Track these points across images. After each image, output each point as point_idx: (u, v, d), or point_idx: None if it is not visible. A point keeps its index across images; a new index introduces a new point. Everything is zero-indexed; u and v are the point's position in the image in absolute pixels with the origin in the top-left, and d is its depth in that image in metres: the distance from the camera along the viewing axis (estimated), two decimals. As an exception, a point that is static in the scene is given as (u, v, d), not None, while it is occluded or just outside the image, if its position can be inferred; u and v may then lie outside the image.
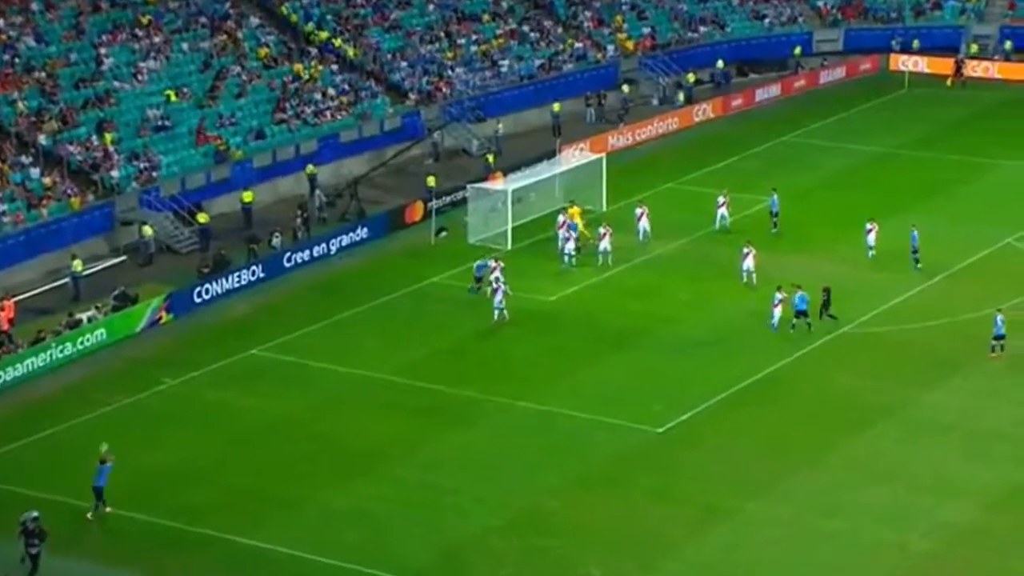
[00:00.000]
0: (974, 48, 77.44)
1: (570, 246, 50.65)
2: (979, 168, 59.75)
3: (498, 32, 71.32)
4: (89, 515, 34.84)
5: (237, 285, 49.39)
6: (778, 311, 44.34)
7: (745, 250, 48.13)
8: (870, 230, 50.04)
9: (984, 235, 52.31)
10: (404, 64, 67.09)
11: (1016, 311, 44.93)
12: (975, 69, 74.33)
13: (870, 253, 49.75)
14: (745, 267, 47.96)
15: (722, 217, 53.34)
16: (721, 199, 53.60)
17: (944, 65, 76.31)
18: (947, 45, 77.96)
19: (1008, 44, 76.92)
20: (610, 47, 73.58)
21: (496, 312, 45.75)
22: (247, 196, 56.36)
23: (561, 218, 51.99)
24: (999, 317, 42.73)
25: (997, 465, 36.50)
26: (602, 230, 50.86)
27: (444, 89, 66.49)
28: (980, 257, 50.57)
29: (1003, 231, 52.54)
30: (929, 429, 38.65)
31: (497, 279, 46.31)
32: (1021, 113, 69.33)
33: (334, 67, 64.97)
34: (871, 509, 34.86)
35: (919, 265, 48.77)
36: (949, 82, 73.39)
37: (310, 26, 66.83)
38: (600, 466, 37.28)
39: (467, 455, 37.93)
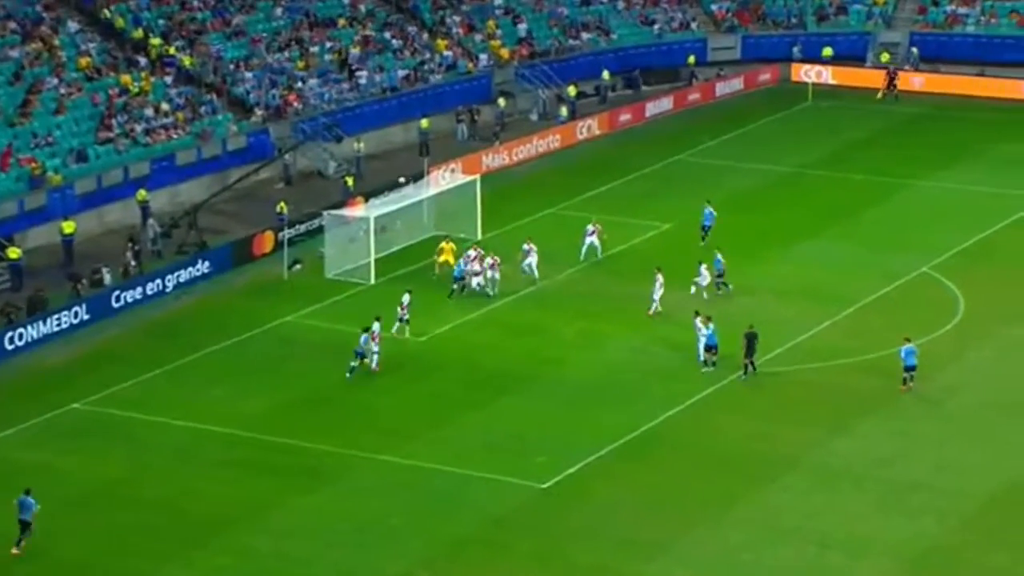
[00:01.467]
0: (884, 56, 79.50)
1: (477, 280, 50.84)
2: (890, 188, 61.19)
3: (356, 38, 71.30)
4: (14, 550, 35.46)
5: (57, 329, 48.47)
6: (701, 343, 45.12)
7: (657, 277, 48.94)
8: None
9: (897, 263, 53.57)
10: (249, 75, 66.64)
11: (935, 344, 46.10)
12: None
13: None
14: (655, 296, 48.79)
15: (591, 246, 53.73)
16: (591, 227, 54.12)
17: (851, 75, 78.19)
18: (853, 53, 79.96)
19: (916, 51, 79.13)
20: (483, 56, 74.00)
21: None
22: (68, 227, 55.39)
23: (472, 252, 51.93)
24: (906, 348, 43.71)
25: (916, 518, 37.22)
26: (489, 260, 51.03)
27: (295, 103, 66.19)
28: (893, 287, 51.76)
29: (917, 258, 53.86)
30: (840, 479, 39.29)
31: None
32: (934, 128, 71.34)
33: (168, 79, 64.29)
34: (777, 571, 35.26)
35: (721, 291, 49.98)
36: (880, 94, 75.10)
37: (139, 32, 66.08)
38: (475, 528, 37.19)
39: (325, 519, 37.58)
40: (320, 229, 55.51)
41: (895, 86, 75.21)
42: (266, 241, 55.96)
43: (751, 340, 44.76)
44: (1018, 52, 78.17)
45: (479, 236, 56.33)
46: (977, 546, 35.87)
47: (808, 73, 78.16)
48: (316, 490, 38.96)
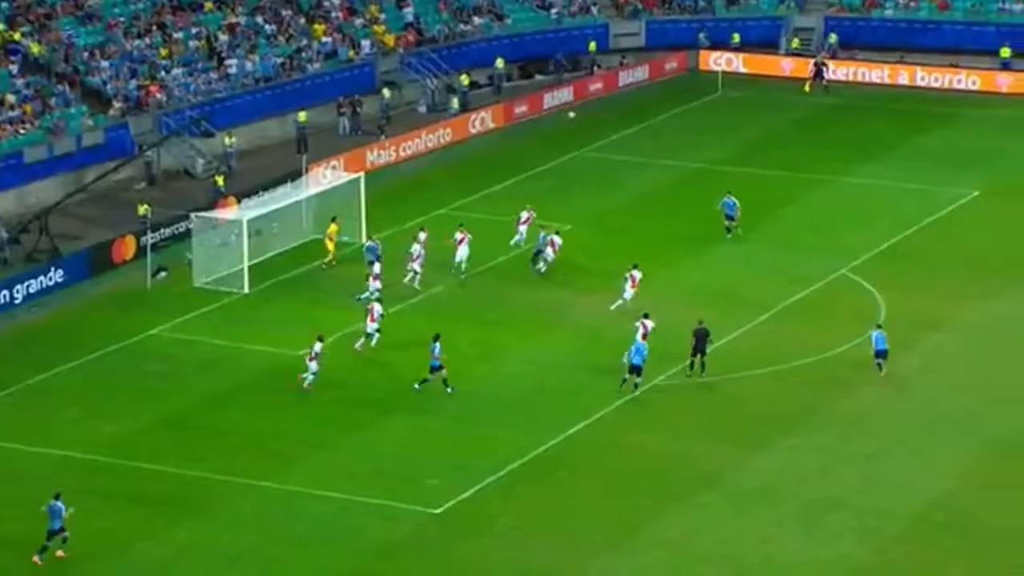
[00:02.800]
0: (795, 43, 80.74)
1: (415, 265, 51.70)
2: (806, 185, 62.14)
3: (224, 23, 70.92)
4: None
5: None
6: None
7: (635, 273, 49.84)
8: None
9: (814, 265, 54.43)
10: (105, 64, 65.99)
11: (856, 353, 46.95)
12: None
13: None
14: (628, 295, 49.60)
15: (519, 235, 54.61)
16: (525, 214, 55.11)
17: (763, 63, 79.33)
18: (765, 40, 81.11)
19: (833, 38, 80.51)
20: (365, 43, 73.97)
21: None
22: (-95, 232, 54.56)
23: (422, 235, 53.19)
24: (876, 333, 45.59)
25: (837, 540, 37.85)
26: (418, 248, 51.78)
27: (158, 95, 65.67)
28: (810, 291, 52.59)
29: (836, 260, 54.78)
30: (758, 499, 39.84)
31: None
32: (852, 120, 72.61)
33: (14, 68, 63.47)
34: (692, 598, 35.75)
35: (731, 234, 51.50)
36: (807, 87, 76.07)
37: (-20, 16, 65.31)
38: (362, 558, 37.17)
39: (196, 553, 37.32)
40: (188, 233, 55.14)
41: (824, 77, 76.32)
42: (127, 247, 55.47)
43: (700, 337, 45.44)
44: (938, 38, 79.86)
45: (363, 240, 56.30)
46: (900, 568, 36.57)
47: (718, 61, 79.18)
48: (185, 520, 38.67)
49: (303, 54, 71.60)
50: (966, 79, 76.87)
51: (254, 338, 49.03)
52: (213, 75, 68.27)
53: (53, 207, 57.60)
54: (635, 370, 44.59)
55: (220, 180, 61.51)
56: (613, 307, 49.76)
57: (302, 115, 67.92)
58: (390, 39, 74.76)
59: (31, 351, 48.40)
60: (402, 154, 66.90)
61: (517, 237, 55.24)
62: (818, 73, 76.42)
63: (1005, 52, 77.82)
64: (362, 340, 47.80)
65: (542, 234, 54.17)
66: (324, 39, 72.93)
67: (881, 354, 45.69)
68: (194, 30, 70.01)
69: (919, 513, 38.80)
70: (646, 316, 46.19)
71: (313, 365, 45.14)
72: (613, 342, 47.61)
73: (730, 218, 56.88)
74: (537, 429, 43.04)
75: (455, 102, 72.57)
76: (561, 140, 68.98)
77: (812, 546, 37.46)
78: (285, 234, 55.83)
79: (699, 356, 45.70)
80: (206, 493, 39.97)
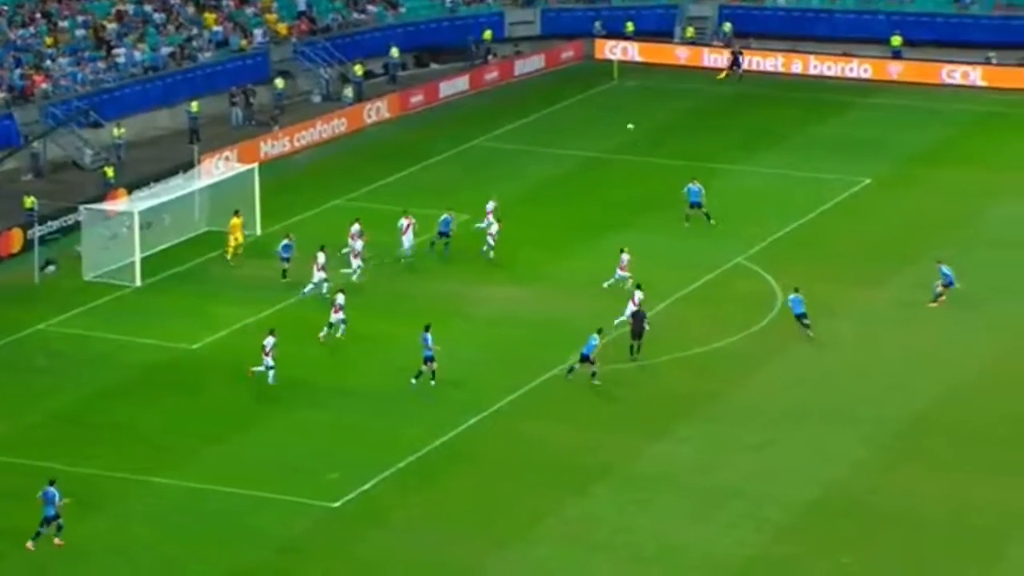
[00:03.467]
0: (690, 31, 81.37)
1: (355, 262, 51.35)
2: (701, 174, 62.55)
3: (112, 11, 70.12)
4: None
5: None
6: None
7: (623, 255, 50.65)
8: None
9: (710, 253, 54.96)
10: (-8, 53, 65.13)
11: (751, 341, 47.45)
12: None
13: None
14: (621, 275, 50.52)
15: (408, 242, 53.88)
16: (404, 221, 54.28)
17: (659, 52, 79.89)
18: (659, 28, 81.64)
19: (728, 26, 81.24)
20: (258, 31, 73.53)
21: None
22: None
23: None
24: (793, 297, 47.94)
25: (733, 528, 38.26)
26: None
27: (44, 85, 64.82)
28: (707, 280, 53.10)
29: (731, 248, 55.34)
30: (655, 487, 40.19)
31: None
32: (746, 109, 73.33)
33: None
34: (591, 587, 35.95)
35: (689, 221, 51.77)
36: (724, 75, 76.57)
37: None
38: (260, 554, 37.01)
39: (88, 550, 36.99)
40: (76, 226, 54.59)
41: (740, 66, 76.92)
42: (13, 240, 54.77)
43: (639, 319, 46.22)
44: (831, 27, 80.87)
45: (258, 231, 55.95)
46: (796, 557, 37.06)
47: (614, 50, 79.62)
48: (78, 519, 38.26)
49: (194, 43, 71.00)
50: (858, 67, 77.91)
51: (146, 331, 48.62)
52: (101, 64, 67.50)
53: (-63, 200, 56.71)
54: (584, 359, 44.85)
55: (110, 171, 60.89)
56: (606, 285, 50.73)
57: (194, 105, 67.38)
58: (283, 28, 74.35)
59: (-84, 347, 47.68)
60: (297, 144, 66.60)
61: (405, 246, 53.74)
62: (735, 62, 77.04)
63: (896, 40, 78.96)
64: (326, 330, 47.33)
65: (444, 216, 53.89)
66: (215, 28, 72.36)
67: (801, 316, 47.31)
68: (80, 18, 69.16)
69: (814, 500, 39.33)
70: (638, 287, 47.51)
71: (268, 360, 44.50)
72: (512, 331, 47.81)
73: (696, 205, 56.86)
74: (433, 421, 43.09)
75: (349, 92, 72.34)
76: (457, 130, 69.03)
77: (709, 534, 37.86)
78: (177, 226, 55.38)
79: (638, 340, 46.25)
80: (98, 490, 39.57)
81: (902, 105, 73.77)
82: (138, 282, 52.25)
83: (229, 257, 53.80)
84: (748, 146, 67.31)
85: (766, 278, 52.86)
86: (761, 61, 78.76)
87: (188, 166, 58.53)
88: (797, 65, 78.50)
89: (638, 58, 79.65)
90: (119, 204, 55.05)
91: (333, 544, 37.50)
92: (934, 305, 50.12)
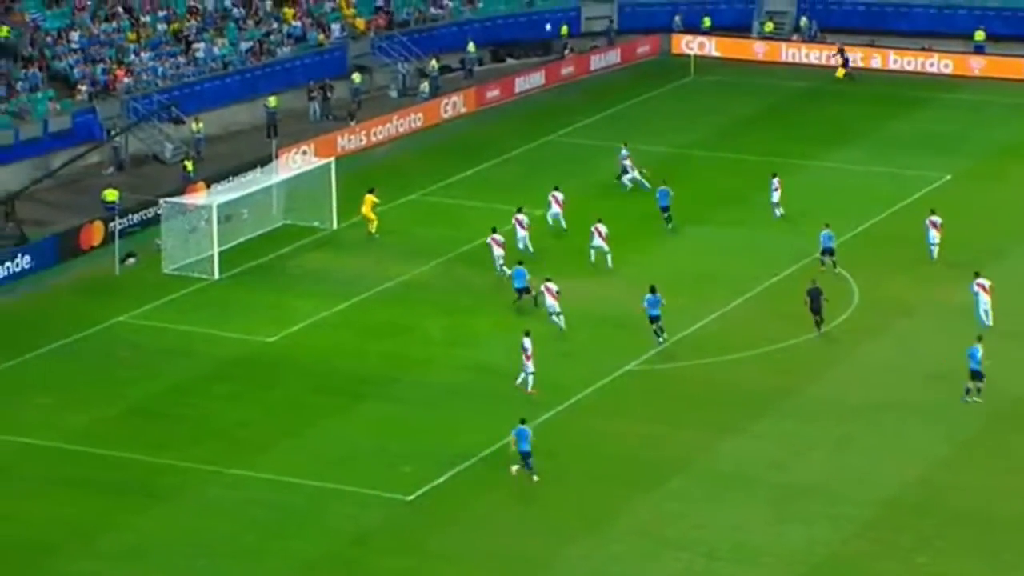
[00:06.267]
0: (768, 26, 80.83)
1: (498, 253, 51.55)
2: (780, 170, 62.13)
3: (192, 7, 70.64)
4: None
5: None
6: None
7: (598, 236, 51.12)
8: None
9: (788, 249, 54.56)
10: (72, 47, 65.68)
11: (829, 338, 47.14)
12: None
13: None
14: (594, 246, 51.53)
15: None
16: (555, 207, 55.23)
17: (736, 47, 79.43)
18: (737, 23, 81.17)
19: (805, 21, 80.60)
20: (335, 26, 73.81)
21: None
22: None
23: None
24: (824, 232, 51.20)
25: (810, 526, 37.99)
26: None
27: (126, 79, 65.43)
28: (785, 276, 52.72)
29: (809, 245, 54.87)
30: (730, 485, 39.96)
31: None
32: (824, 104, 72.76)
33: (-21, 52, 63.30)
34: (664, 584, 35.82)
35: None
36: (841, 73, 75.62)
37: (-60, -3, 64.99)
38: (334, 546, 37.16)
39: (166, 540, 37.27)
40: (156, 219, 55.01)
41: (848, 63, 76.03)
42: (95, 233, 55.30)
43: (815, 296, 47.25)
44: (912, 21, 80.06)
45: (335, 226, 56.18)
46: (872, 555, 36.73)
47: (690, 45, 79.24)
48: (154, 509, 38.61)
49: (272, 38, 71.40)
50: (939, 62, 77.07)
51: (223, 325, 48.96)
52: (181, 59, 68.05)
53: (20, 193, 57.39)
54: (653, 320, 46.30)
55: (189, 165, 61.37)
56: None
57: (272, 100, 67.76)
58: (361, 23, 74.62)
59: (-2, 338, 48.27)
60: (373, 139, 66.80)
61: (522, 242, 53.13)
62: (845, 60, 76.12)
63: (979, 36, 78.03)
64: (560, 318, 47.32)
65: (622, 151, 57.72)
66: (294, 23, 72.74)
67: (829, 251, 50.87)
68: (161, 13, 69.75)
69: (890, 497, 38.97)
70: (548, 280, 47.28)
71: (529, 365, 43.76)
72: (588, 327, 47.73)
73: (664, 208, 56.48)
74: (508, 416, 42.95)
75: (426, 86, 72.48)
76: (532, 125, 68.95)
77: (783, 532, 37.61)
78: (255, 220, 55.73)
79: (818, 315, 47.31)
80: (175, 481, 39.90)
81: (983, 100, 72.93)
82: (216, 275, 52.62)
83: (373, 230, 54.42)
84: (826, 142, 66.78)
85: (843, 274, 52.42)
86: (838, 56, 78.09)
87: (266, 160, 58.89)
88: (876, 60, 77.79)
89: (715, 53, 79.23)
90: (198, 198, 55.47)
91: (406, 537, 37.59)
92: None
